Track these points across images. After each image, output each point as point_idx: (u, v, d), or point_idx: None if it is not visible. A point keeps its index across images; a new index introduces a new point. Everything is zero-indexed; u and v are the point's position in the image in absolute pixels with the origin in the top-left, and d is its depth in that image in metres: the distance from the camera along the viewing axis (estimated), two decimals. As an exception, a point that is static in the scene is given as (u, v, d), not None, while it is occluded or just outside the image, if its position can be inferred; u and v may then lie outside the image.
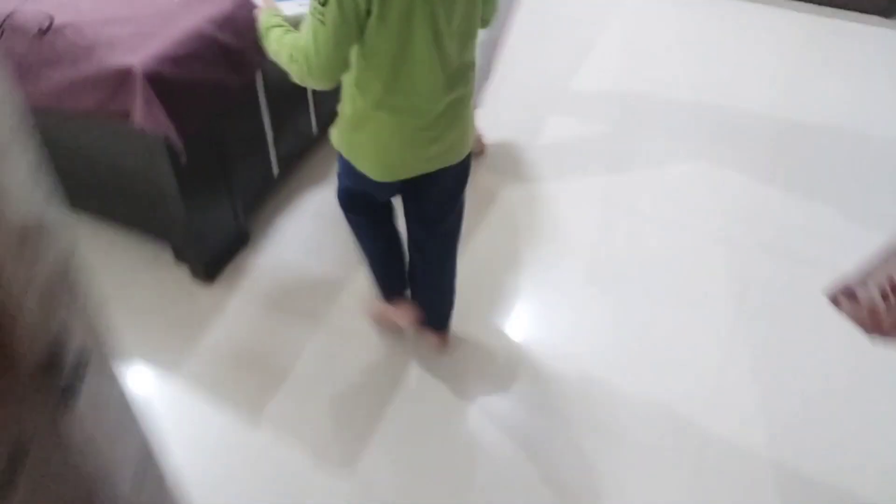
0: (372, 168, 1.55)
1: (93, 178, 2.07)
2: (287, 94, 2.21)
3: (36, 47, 1.77)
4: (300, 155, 2.44)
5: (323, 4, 1.29)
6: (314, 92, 2.30)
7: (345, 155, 1.57)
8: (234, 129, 2.03)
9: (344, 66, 1.39)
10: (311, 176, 2.43)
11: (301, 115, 2.35)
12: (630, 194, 2.48)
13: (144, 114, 1.68)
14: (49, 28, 1.75)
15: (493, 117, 2.69)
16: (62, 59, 1.74)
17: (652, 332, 2.04)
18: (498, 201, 2.43)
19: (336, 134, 1.57)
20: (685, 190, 2.50)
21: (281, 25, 1.48)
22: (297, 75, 1.42)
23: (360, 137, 1.52)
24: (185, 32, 1.76)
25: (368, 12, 1.30)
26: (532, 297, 2.14)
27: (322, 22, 1.30)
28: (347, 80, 1.46)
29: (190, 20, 1.79)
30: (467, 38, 1.45)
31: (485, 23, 1.53)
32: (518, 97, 2.89)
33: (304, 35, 1.36)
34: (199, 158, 1.89)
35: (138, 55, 1.68)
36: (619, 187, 2.51)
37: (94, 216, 2.23)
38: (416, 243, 1.79)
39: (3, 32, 1.79)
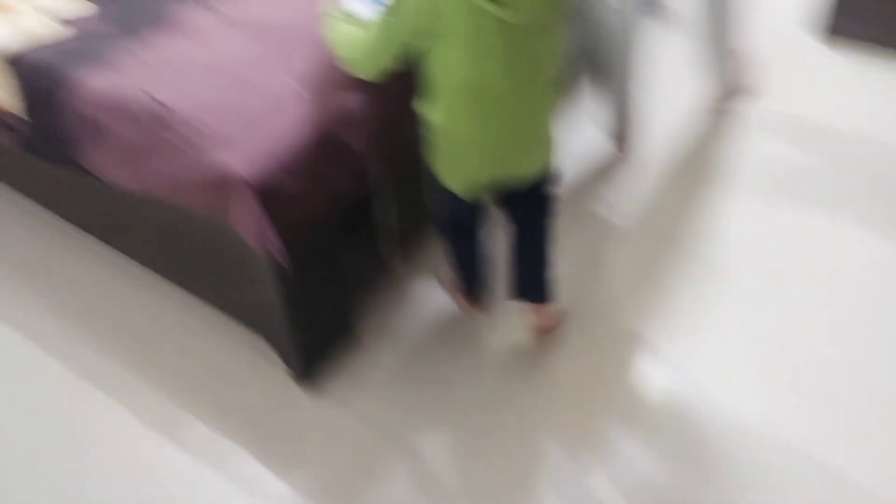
0: (452, 182, 1.66)
1: (195, 257, 1.95)
2: (406, 179, 2.01)
3: (144, 133, 1.64)
4: (418, 242, 2.24)
5: (390, 14, 1.42)
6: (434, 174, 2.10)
7: (434, 169, 1.67)
8: (346, 221, 1.85)
9: (392, 68, 1.54)
10: (428, 265, 2.22)
11: (420, 200, 2.14)
12: (806, 254, 2.24)
13: (252, 231, 1.52)
14: (160, 115, 1.61)
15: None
16: (169, 151, 1.60)
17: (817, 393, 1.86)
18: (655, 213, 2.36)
19: (428, 151, 1.66)
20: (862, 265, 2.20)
21: (345, 19, 1.61)
22: (348, 65, 1.59)
23: (439, 152, 1.62)
24: (303, 132, 1.58)
25: (431, 33, 1.39)
26: (676, 324, 2.05)
27: (385, 27, 1.44)
28: (427, 91, 1.54)
29: (310, 116, 1.61)
30: (538, 67, 1.48)
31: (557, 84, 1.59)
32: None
33: (368, 33, 1.50)
34: (304, 256, 1.72)
35: (249, 161, 1.51)
36: (794, 242, 2.28)
37: (194, 295, 2.10)
38: (507, 220, 1.85)
39: (116, 113, 1.67)
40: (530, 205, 1.79)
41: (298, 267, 1.69)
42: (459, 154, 1.59)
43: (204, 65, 1.72)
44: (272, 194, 1.52)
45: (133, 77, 1.70)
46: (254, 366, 1.98)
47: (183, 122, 1.59)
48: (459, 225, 1.86)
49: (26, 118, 1.86)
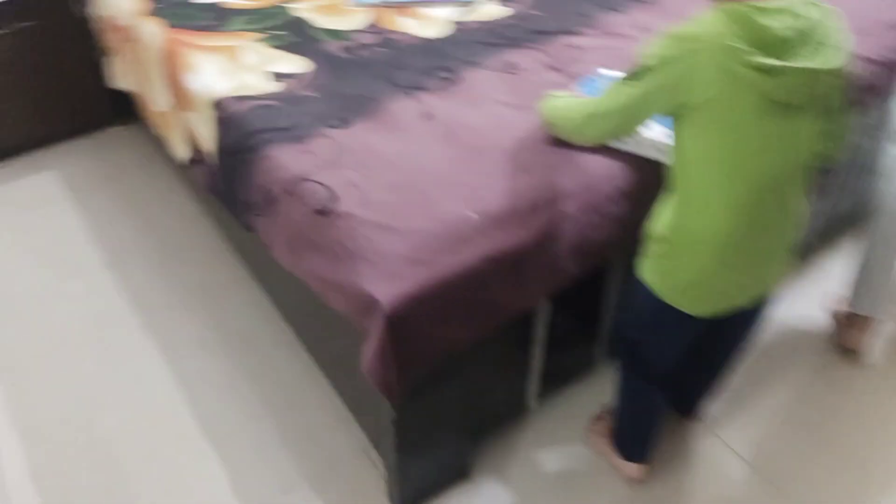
0: (686, 300, 1.41)
1: (337, 352, 1.88)
2: (560, 313, 1.76)
3: (308, 224, 1.54)
4: (568, 384, 1.99)
5: (630, 79, 1.29)
6: (608, 309, 1.85)
7: (657, 288, 1.43)
8: (485, 355, 1.65)
9: (614, 138, 1.53)
10: (570, 411, 1.96)
11: (571, 333, 1.89)
12: None
13: (372, 363, 1.37)
14: (326, 207, 1.50)
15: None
16: (325, 250, 1.50)
17: None
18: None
19: (648, 265, 1.45)
20: None
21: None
22: (562, 129, 1.55)
23: (673, 263, 1.40)
24: (464, 272, 1.40)
25: (679, 108, 1.24)
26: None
27: (622, 94, 1.32)
28: (670, 188, 1.37)
29: (476, 255, 1.42)
30: (803, 159, 1.31)
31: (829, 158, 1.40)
32: None
33: (597, 98, 1.41)
34: (426, 387, 1.55)
35: (393, 288, 1.36)
36: None
37: (330, 382, 2.02)
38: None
39: (289, 192, 1.59)
40: (743, 324, 1.62)
41: (417, 398, 1.53)
42: (710, 263, 1.35)
43: (389, 164, 1.60)
44: (404, 330, 1.36)
45: (317, 160, 1.61)
46: (363, 472, 1.85)
47: (344, 221, 1.47)
48: (661, 361, 1.59)
49: (216, 162, 1.85)
